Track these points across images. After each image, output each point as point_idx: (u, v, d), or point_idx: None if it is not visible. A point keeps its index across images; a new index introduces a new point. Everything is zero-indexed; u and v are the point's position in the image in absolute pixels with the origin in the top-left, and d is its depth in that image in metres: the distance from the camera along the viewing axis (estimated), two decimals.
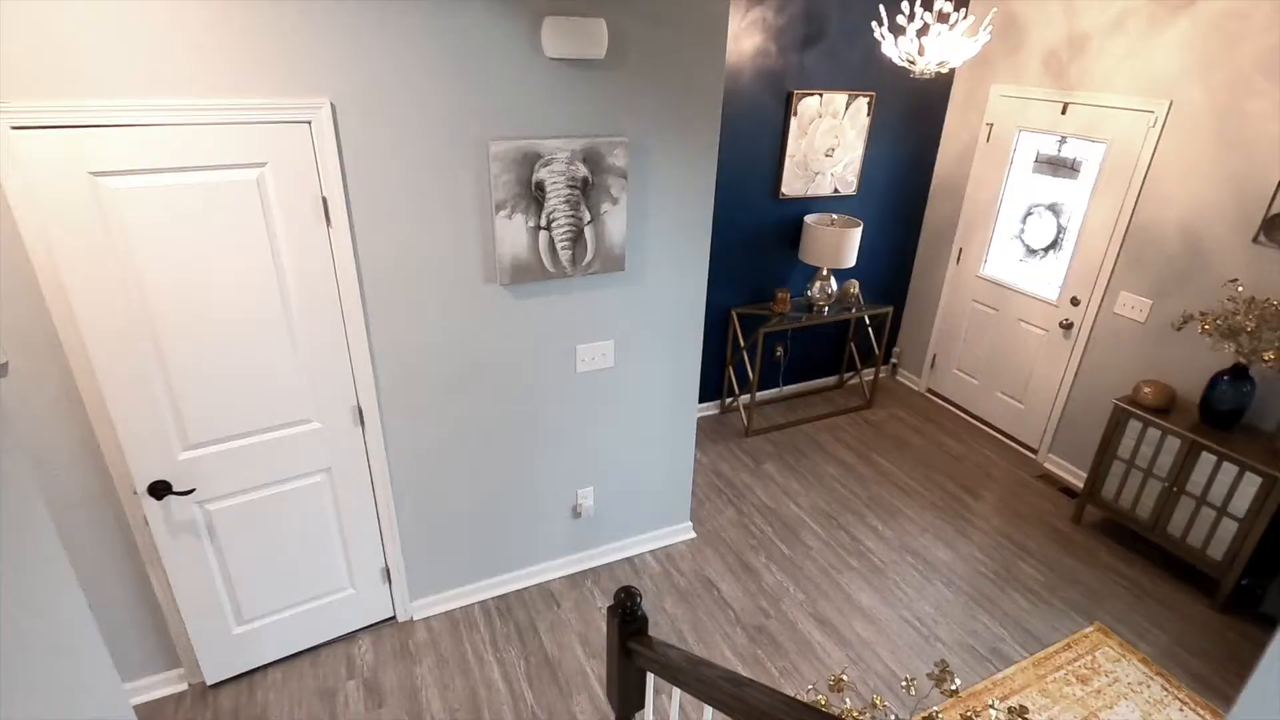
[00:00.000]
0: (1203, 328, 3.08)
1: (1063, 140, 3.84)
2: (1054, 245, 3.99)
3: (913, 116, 4.33)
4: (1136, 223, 3.51)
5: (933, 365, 4.88)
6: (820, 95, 3.93)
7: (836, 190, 4.26)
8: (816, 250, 4.08)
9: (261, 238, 2.05)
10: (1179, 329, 3.26)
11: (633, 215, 2.58)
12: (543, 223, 2.39)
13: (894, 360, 5.18)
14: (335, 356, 2.30)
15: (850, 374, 5.09)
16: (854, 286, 4.42)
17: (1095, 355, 3.80)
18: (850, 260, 4.08)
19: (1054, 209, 3.96)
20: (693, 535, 3.45)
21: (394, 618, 2.87)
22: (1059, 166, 3.87)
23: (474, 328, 2.48)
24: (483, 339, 2.51)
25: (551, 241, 2.43)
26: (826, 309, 4.32)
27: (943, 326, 4.74)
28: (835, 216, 4.17)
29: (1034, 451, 4.25)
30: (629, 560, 3.28)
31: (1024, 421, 4.29)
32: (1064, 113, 3.76)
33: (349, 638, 2.79)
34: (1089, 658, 2.86)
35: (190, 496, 2.23)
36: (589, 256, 2.52)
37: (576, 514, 3.07)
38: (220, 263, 2.02)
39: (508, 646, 2.79)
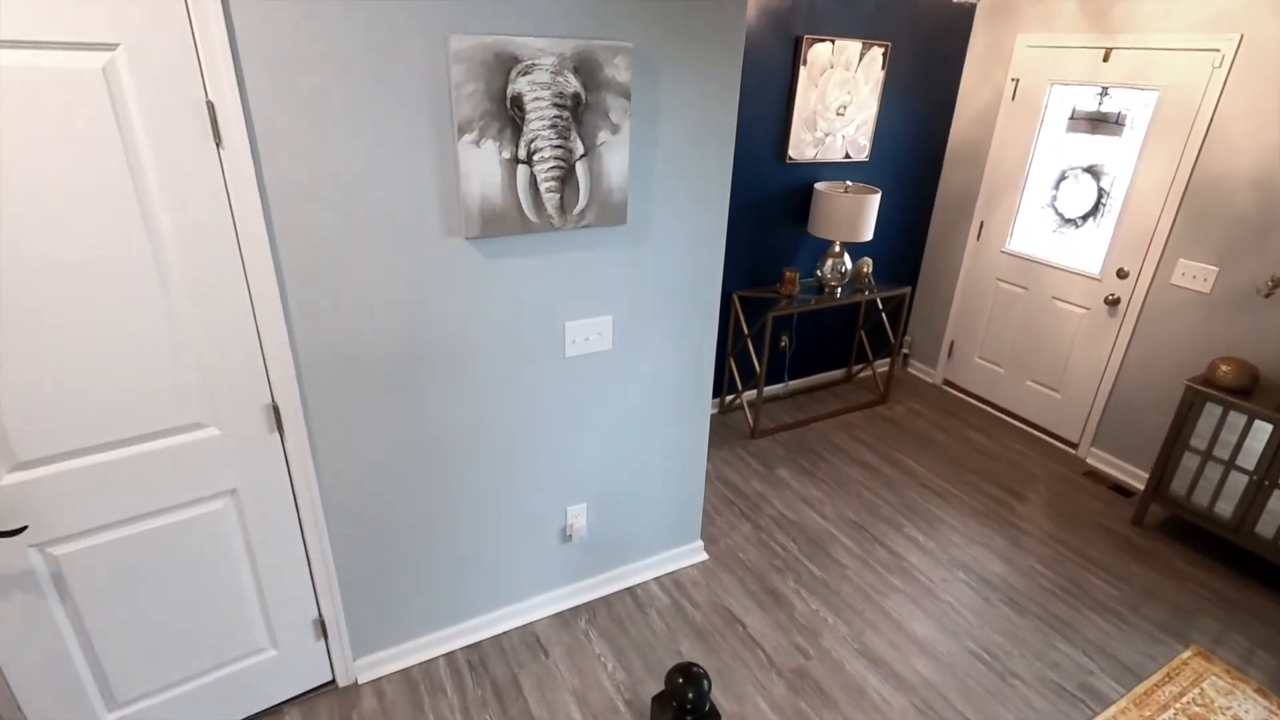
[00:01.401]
0: None
1: (1104, 92, 3.40)
2: (1094, 212, 3.54)
3: (928, 72, 3.86)
4: (1198, 180, 3.07)
5: (950, 354, 4.40)
6: (833, 42, 3.42)
7: (848, 155, 3.76)
8: (828, 222, 3.56)
9: (116, 159, 1.41)
10: (1267, 295, 2.82)
11: (637, 151, 2.01)
12: (521, 153, 1.79)
13: (905, 350, 4.69)
14: (237, 335, 1.66)
15: (860, 366, 4.58)
16: (866, 266, 3.91)
17: (1149, 333, 3.35)
18: (867, 233, 3.57)
19: (1093, 171, 3.51)
20: (705, 557, 2.87)
21: (333, 682, 2.21)
22: (1100, 122, 3.43)
23: (431, 295, 1.87)
24: (443, 311, 1.90)
25: (533, 180, 1.84)
26: (840, 290, 3.80)
27: (962, 310, 4.27)
28: (849, 182, 3.66)
29: (1074, 446, 3.79)
30: (630, 591, 2.67)
31: (1061, 413, 3.82)
32: (1106, 60, 3.32)
33: (273, 713, 2.12)
34: (1196, 691, 2.35)
35: (21, 537, 1.56)
36: (582, 203, 1.93)
37: (566, 537, 2.46)
38: (52, 197, 1.37)
39: (482, 712, 2.16)
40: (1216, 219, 3.04)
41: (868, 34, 3.53)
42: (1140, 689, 2.35)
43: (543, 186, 1.85)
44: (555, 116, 1.80)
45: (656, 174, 2.07)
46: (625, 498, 2.53)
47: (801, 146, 3.58)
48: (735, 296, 3.75)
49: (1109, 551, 3.02)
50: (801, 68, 3.39)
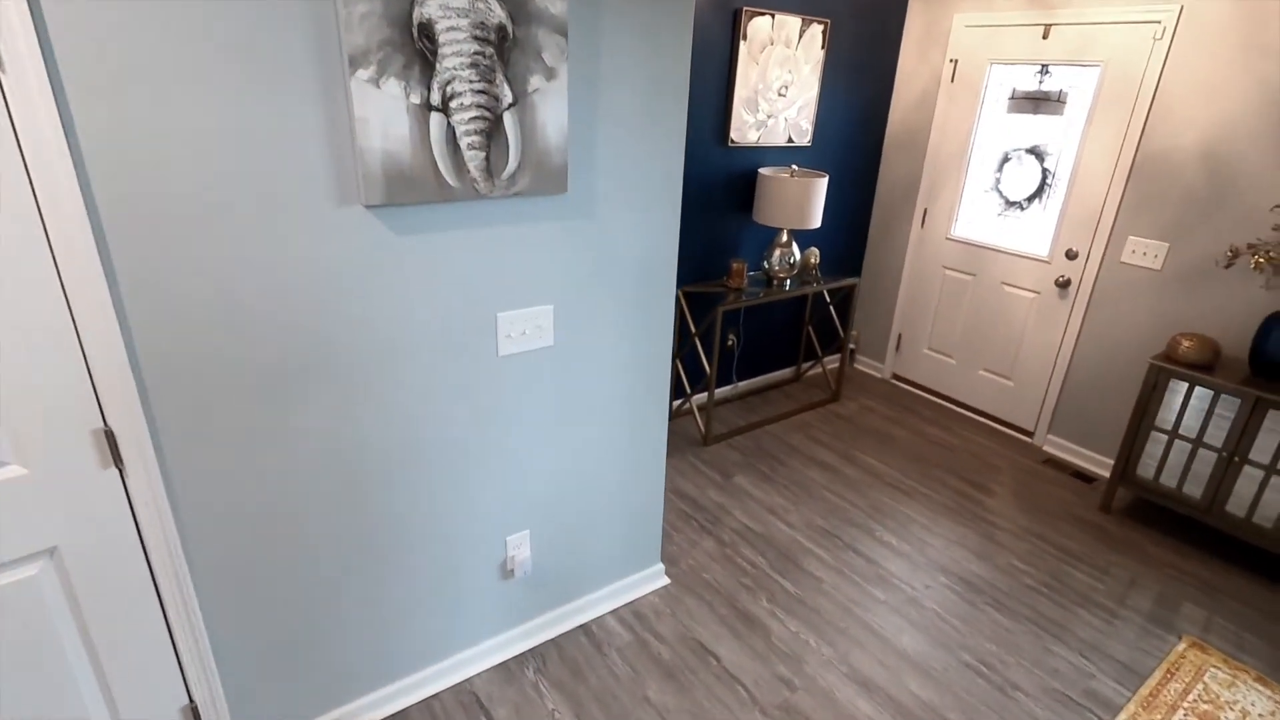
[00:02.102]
0: (1256, 262, 2.58)
1: (1044, 70, 3.32)
2: (1039, 194, 3.47)
3: (868, 53, 3.71)
4: (1144, 155, 3.02)
5: (898, 347, 4.27)
6: (773, 17, 3.21)
7: (790, 139, 3.55)
8: (775, 208, 3.33)
9: None
10: (1227, 266, 2.76)
11: (577, 103, 1.67)
12: (435, 97, 1.43)
13: (852, 345, 4.53)
14: (47, 341, 1.21)
15: (810, 363, 4.38)
16: (814, 256, 3.72)
17: (1101, 314, 3.27)
18: (815, 220, 3.37)
19: (1036, 152, 3.44)
20: (666, 581, 2.54)
21: None
22: (1041, 102, 3.36)
23: (322, 282, 1.47)
24: (338, 301, 1.50)
25: (451, 132, 1.47)
26: (789, 283, 3.58)
27: (908, 301, 4.14)
28: (795, 166, 3.45)
29: (1029, 434, 3.69)
30: (585, 629, 2.31)
31: (1015, 401, 3.72)
32: (1046, 37, 3.25)
33: None
34: (1200, 687, 2.20)
35: None
36: (512, 164, 1.58)
37: (507, 572, 2.08)
38: None
39: None
40: (1164, 194, 2.98)
41: (807, 9, 3.34)
42: (1145, 690, 2.17)
43: (463, 141, 1.49)
44: (476, 53, 1.44)
45: (600, 133, 1.74)
46: (574, 520, 2.17)
47: (744, 129, 3.34)
48: (680, 292, 3.46)
49: (1085, 542, 2.88)
50: (741, 43, 3.16)
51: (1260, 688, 2.20)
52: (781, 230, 3.49)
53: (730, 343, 3.86)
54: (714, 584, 2.54)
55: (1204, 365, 2.76)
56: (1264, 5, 2.60)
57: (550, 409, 1.95)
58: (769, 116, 3.41)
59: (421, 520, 1.82)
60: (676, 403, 3.74)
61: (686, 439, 3.54)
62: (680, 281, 3.50)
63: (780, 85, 3.38)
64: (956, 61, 3.61)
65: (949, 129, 3.72)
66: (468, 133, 1.49)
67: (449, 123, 1.46)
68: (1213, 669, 2.27)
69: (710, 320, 3.34)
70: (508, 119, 1.54)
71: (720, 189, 3.43)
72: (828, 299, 4.06)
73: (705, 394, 3.80)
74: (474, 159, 1.52)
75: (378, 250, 1.51)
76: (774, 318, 4.03)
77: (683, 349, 3.60)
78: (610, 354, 2.04)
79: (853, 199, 4.07)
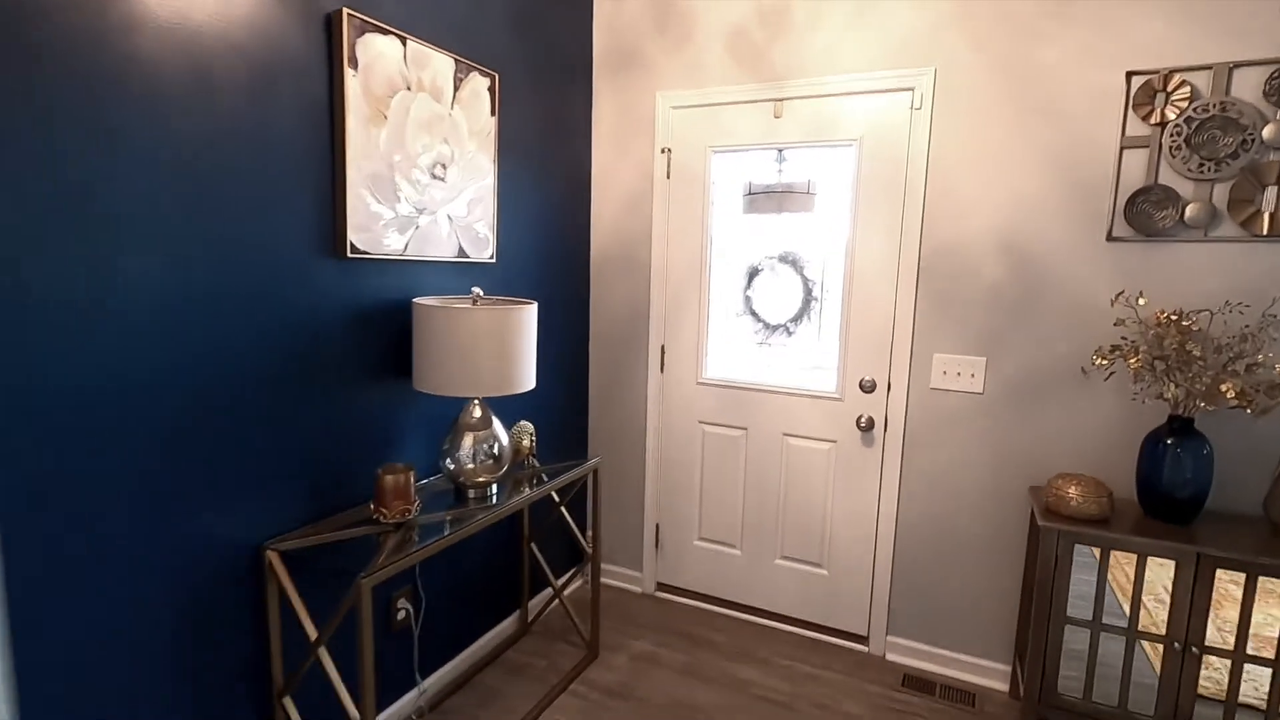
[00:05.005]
0: (1130, 364, 1.89)
1: (780, 157, 2.56)
2: (805, 312, 2.60)
3: (556, 129, 2.59)
4: (931, 250, 2.33)
5: (658, 544, 2.95)
6: (403, 42, 1.85)
7: (463, 251, 2.14)
8: (453, 365, 1.82)
9: None
10: (1100, 369, 2.05)
11: None
12: None
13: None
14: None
15: (541, 602, 2.77)
16: (527, 436, 2.26)
17: (922, 458, 2.41)
18: (526, 377, 1.94)
19: (792, 260, 2.60)
20: None
21: None
22: (784, 196, 2.56)
23: None
24: None
25: None
26: (494, 490, 2.02)
27: (662, 478, 2.90)
28: (478, 290, 2.00)
29: (862, 640, 2.59)
30: None
31: (833, 596, 2.63)
32: (778, 116, 2.50)
33: None
34: None
35: None
36: None
37: None
38: None
39: None
40: (966, 297, 2.29)
41: (465, 49, 2.08)
42: None
43: None
44: None
45: None
46: None
47: (374, 229, 1.82)
48: (271, 556, 1.63)
49: None
50: (349, 75, 1.71)
51: None
52: (471, 402, 1.97)
53: (401, 616, 2.07)
54: None
55: (1099, 519, 1.95)
56: (1029, 59, 2.12)
57: None
58: (420, 211, 1.96)
59: None
60: None
61: None
62: (273, 532, 1.68)
63: (434, 161, 1.99)
64: (669, 151, 2.69)
65: (675, 238, 2.74)
66: None
67: None
68: None
69: (349, 604, 1.55)
70: None
71: (337, 337, 1.80)
72: (556, 498, 2.57)
73: None
74: None
75: None
76: (474, 549, 2.38)
77: (291, 684, 1.69)
78: None
79: (566, 340, 2.79)
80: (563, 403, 2.80)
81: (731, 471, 2.75)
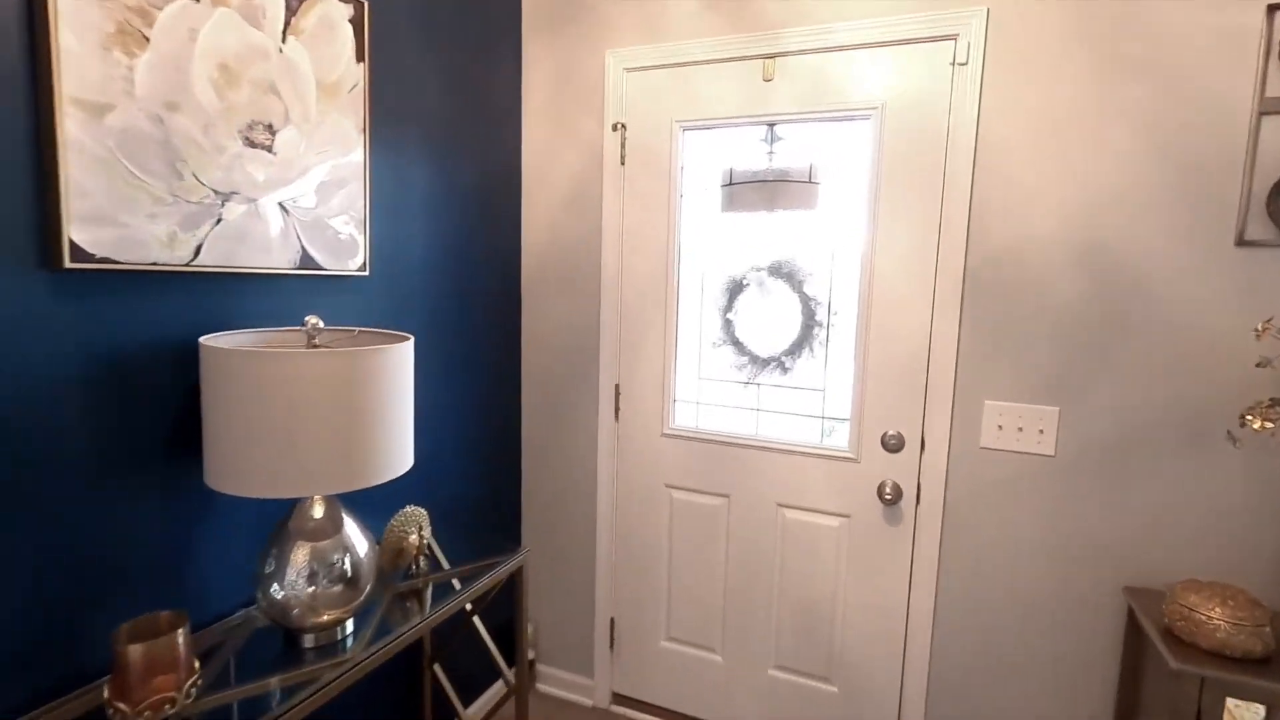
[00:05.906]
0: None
1: (772, 132, 1.91)
2: (806, 341, 1.95)
3: (460, 86, 1.89)
4: (979, 260, 1.70)
5: (613, 643, 2.25)
6: None
7: (309, 260, 1.43)
8: (268, 447, 1.10)
9: None
10: (1258, 433, 1.43)
11: None
12: None
13: (530, 655, 2.35)
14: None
15: None
16: (414, 529, 1.55)
17: (967, 544, 1.76)
18: (397, 458, 1.23)
19: (787, 273, 1.95)
20: None
21: None
22: (778, 187, 1.91)
23: None
24: None
25: None
26: (349, 630, 1.30)
27: (618, 561, 2.20)
28: (316, 320, 1.28)
29: None
30: None
31: None
32: (769, 78, 1.85)
33: None
34: None
35: None
36: None
37: None
38: None
39: None
40: (1027, 325, 1.66)
41: None
42: None
43: None
44: None
45: None
46: None
47: (126, 218, 1.10)
48: None
49: None
50: None
51: None
52: (308, 502, 1.25)
53: None
54: None
55: (1260, 657, 1.32)
56: None
57: None
58: (225, 196, 1.24)
59: None
60: None
61: None
62: None
63: (250, 121, 1.27)
64: (624, 128, 2.02)
65: (633, 243, 2.06)
66: None
67: None
68: None
69: None
70: None
71: (61, 405, 1.07)
72: (469, 609, 1.84)
73: None
74: None
75: None
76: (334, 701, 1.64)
77: None
78: None
79: (485, 382, 2.08)
80: (480, 470, 2.09)
81: (709, 552, 2.07)
